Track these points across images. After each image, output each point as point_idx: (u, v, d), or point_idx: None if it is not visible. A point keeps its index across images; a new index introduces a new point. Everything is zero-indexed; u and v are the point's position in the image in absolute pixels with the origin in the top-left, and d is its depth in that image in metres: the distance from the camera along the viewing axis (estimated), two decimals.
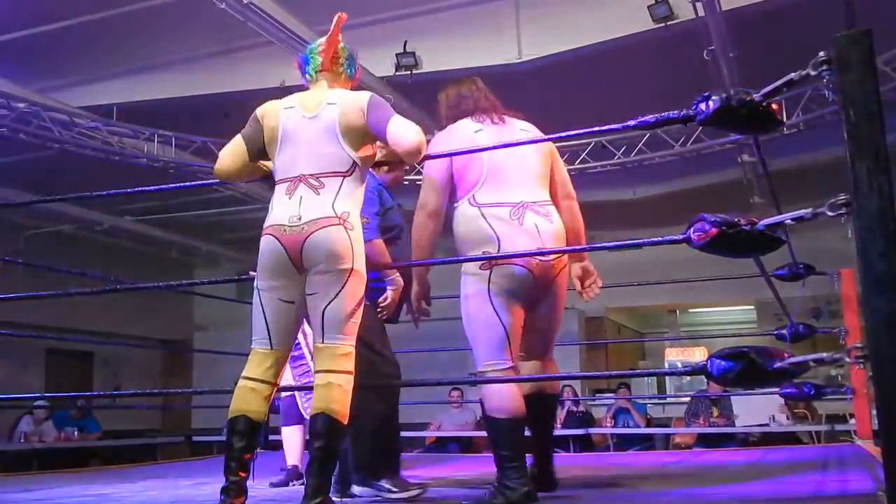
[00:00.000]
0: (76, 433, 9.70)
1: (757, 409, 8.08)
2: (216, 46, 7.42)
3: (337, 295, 2.59)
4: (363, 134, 2.72)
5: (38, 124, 7.49)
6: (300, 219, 2.61)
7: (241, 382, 2.67)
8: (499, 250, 3.06)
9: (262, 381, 2.65)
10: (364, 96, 2.76)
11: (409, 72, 7.07)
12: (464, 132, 3.28)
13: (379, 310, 3.47)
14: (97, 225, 10.74)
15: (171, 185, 4.03)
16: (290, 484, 4.39)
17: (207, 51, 7.52)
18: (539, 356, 3.36)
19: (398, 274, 3.51)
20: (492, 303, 3.08)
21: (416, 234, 3.23)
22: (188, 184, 3.98)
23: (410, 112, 7.38)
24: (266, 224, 2.69)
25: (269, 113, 2.80)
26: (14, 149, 7.90)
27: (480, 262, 3.09)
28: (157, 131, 8.15)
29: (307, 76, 2.94)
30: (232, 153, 2.85)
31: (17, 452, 9.12)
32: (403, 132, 2.67)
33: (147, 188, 3.78)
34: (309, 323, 2.70)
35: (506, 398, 3.03)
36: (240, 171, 2.90)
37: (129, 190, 3.75)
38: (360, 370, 2.68)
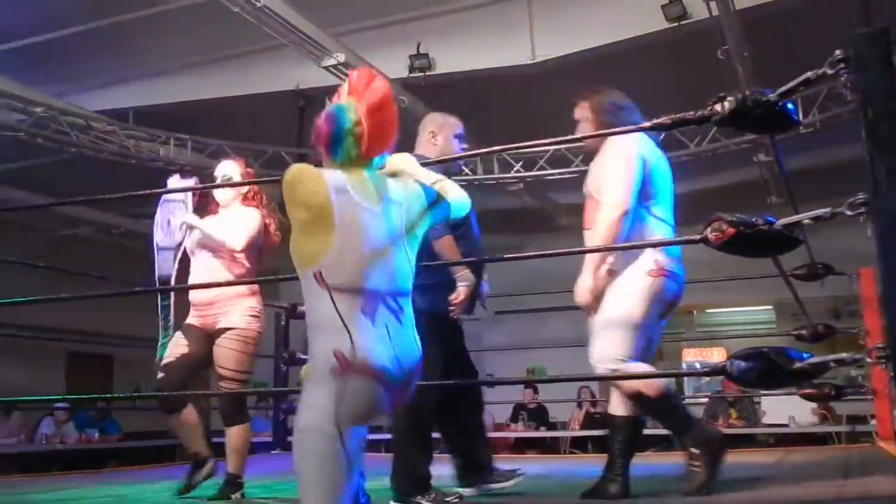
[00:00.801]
0: (97, 434, 9.77)
1: (786, 407, 8.07)
2: (231, 49, 7.46)
3: None
4: (419, 235, 2.31)
5: (55, 128, 7.55)
6: (401, 367, 2.13)
7: None
8: (665, 264, 3.16)
9: None
10: (416, 186, 2.32)
11: (422, 73, 7.08)
12: (645, 138, 3.32)
13: (451, 307, 3.42)
14: (114, 228, 10.81)
15: (188, 188, 4.04)
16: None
17: (222, 54, 7.56)
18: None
19: (468, 270, 3.44)
20: (650, 309, 3.15)
21: (608, 231, 3.14)
22: (206, 185, 3.99)
23: (425, 113, 7.39)
24: (355, 354, 2.04)
25: (307, 181, 2.14)
26: (32, 153, 7.97)
27: (649, 268, 3.14)
28: (173, 134, 8.20)
29: (336, 160, 2.21)
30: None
31: (39, 453, 9.19)
32: (458, 191, 2.45)
33: (163, 190, 3.80)
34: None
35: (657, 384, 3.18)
36: None
37: (145, 192, 3.78)
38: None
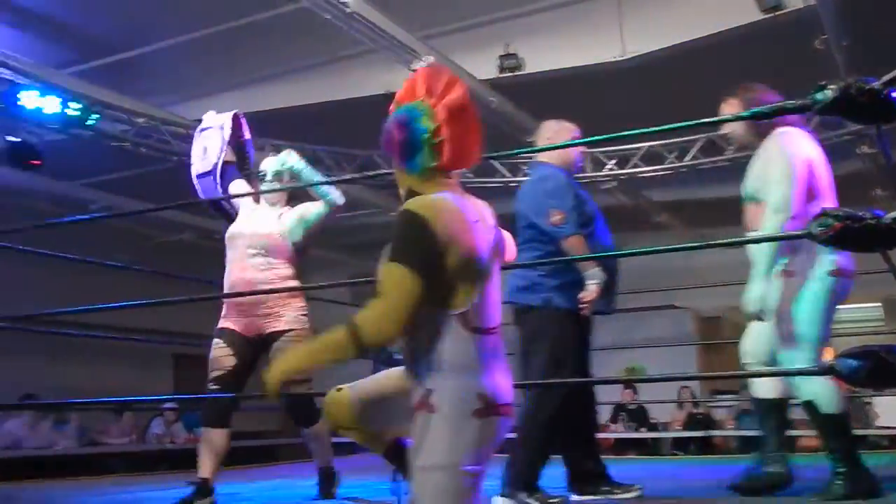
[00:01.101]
0: None
1: None
2: (323, 56, 7.59)
3: None
4: None
5: (157, 138, 7.84)
6: (514, 397, 2.05)
7: None
8: (843, 263, 3.17)
9: None
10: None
11: (512, 73, 7.06)
12: (805, 134, 3.30)
13: (581, 306, 3.46)
14: (215, 233, 11.14)
15: (280, 188, 4.10)
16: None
17: (314, 61, 7.70)
18: None
19: (597, 268, 3.46)
20: (833, 310, 3.19)
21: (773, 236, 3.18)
22: (296, 185, 4.07)
23: (516, 115, 7.37)
24: (496, 395, 1.95)
25: (461, 223, 1.91)
26: (136, 162, 8.30)
27: (831, 269, 3.14)
28: (269, 141, 8.39)
29: (412, 172, 2.01)
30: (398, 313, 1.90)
31: (150, 453, 9.57)
32: None
33: (257, 191, 3.90)
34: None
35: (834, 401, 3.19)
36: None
37: (244, 194, 3.87)
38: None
